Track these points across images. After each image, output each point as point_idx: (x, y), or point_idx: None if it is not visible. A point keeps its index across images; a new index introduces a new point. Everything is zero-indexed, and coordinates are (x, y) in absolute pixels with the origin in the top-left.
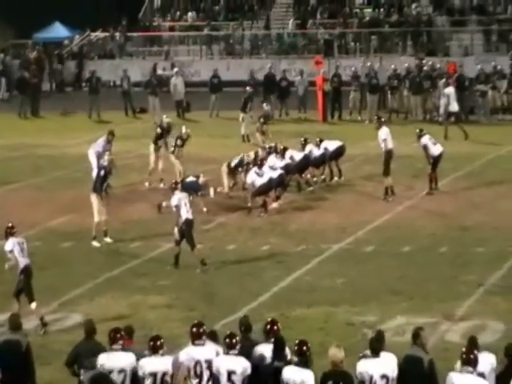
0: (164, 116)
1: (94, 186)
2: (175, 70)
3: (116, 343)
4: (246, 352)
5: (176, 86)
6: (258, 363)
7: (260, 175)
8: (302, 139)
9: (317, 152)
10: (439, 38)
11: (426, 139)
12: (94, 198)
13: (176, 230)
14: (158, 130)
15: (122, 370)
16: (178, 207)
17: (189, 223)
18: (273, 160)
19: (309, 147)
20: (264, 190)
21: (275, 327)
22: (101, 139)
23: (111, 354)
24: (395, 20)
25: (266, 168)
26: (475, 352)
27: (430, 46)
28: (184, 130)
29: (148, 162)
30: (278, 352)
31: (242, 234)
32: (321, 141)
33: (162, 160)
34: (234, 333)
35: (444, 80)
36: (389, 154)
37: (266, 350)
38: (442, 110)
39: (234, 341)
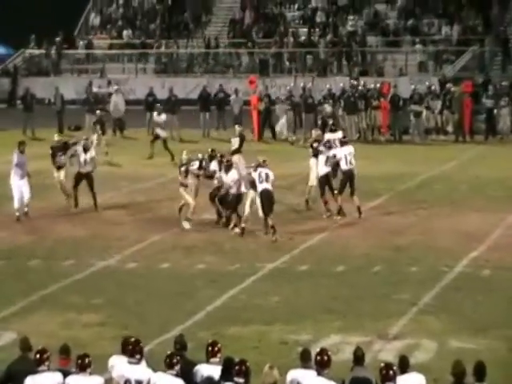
0: (55, 135)
1: None
2: (115, 87)
3: (42, 364)
4: (184, 371)
5: (117, 104)
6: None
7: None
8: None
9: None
10: (373, 58)
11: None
12: None
13: None
14: (50, 151)
15: None
16: None
17: None
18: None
19: None
20: (235, 203)
21: (216, 348)
22: (14, 153)
23: (37, 376)
24: (330, 40)
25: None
26: (394, 368)
27: (364, 66)
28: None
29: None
30: (227, 372)
31: (176, 253)
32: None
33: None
34: (174, 352)
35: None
36: (344, 175)
37: (207, 370)
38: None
39: (174, 361)
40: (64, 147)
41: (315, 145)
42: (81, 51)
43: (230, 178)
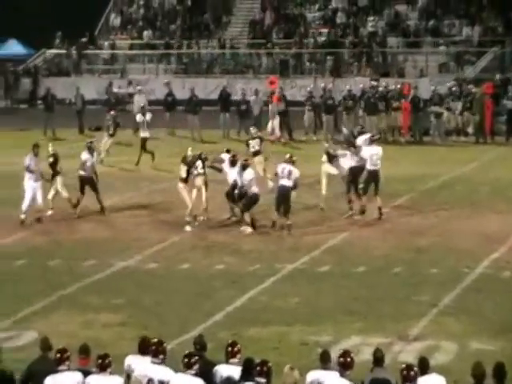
0: (50, 144)
1: None
2: (138, 88)
3: (62, 364)
4: (204, 371)
5: (140, 105)
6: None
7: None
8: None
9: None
10: (393, 59)
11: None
12: None
13: None
14: (51, 159)
15: None
16: None
17: None
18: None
19: None
20: (254, 201)
21: (236, 349)
22: (27, 156)
23: (57, 375)
24: (350, 41)
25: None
26: (414, 369)
27: (384, 67)
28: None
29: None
30: (247, 373)
31: (196, 253)
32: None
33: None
34: (192, 352)
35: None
36: (369, 174)
37: (226, 370)
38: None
39: (192, 360)
40: (53, 165)
41: (331, 151)
42: (102, 51)
43: (245, 176)
